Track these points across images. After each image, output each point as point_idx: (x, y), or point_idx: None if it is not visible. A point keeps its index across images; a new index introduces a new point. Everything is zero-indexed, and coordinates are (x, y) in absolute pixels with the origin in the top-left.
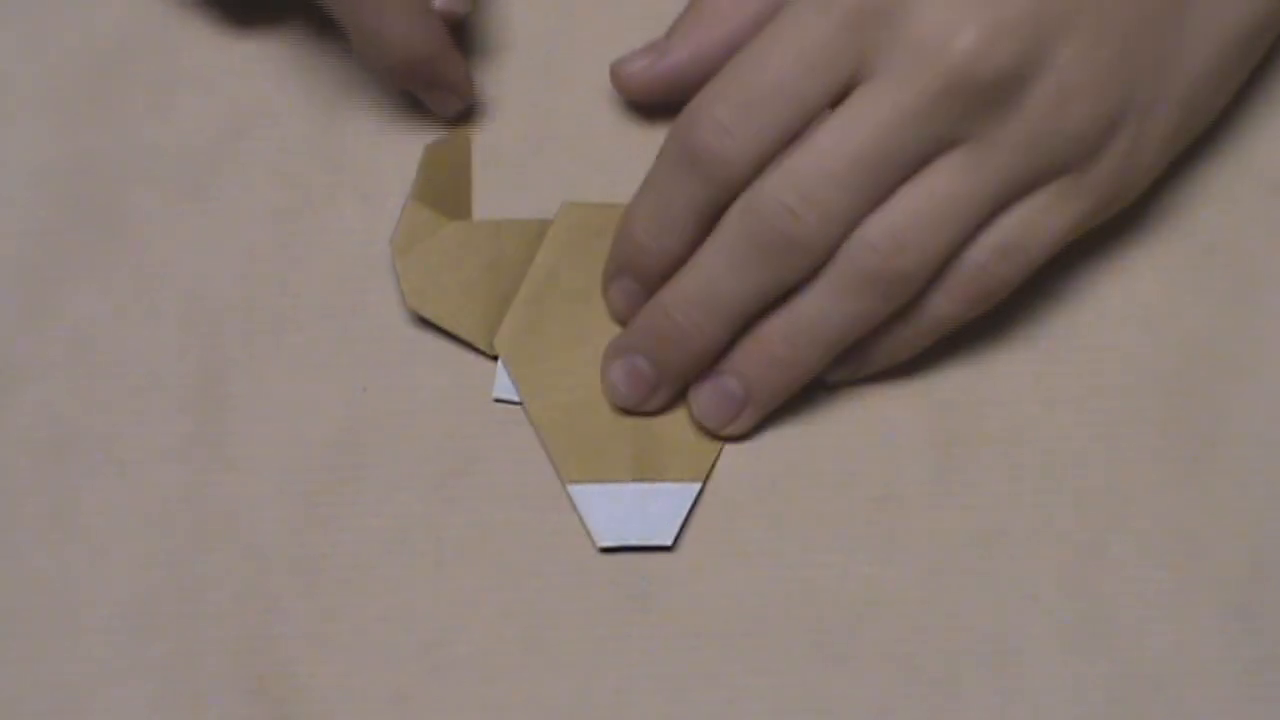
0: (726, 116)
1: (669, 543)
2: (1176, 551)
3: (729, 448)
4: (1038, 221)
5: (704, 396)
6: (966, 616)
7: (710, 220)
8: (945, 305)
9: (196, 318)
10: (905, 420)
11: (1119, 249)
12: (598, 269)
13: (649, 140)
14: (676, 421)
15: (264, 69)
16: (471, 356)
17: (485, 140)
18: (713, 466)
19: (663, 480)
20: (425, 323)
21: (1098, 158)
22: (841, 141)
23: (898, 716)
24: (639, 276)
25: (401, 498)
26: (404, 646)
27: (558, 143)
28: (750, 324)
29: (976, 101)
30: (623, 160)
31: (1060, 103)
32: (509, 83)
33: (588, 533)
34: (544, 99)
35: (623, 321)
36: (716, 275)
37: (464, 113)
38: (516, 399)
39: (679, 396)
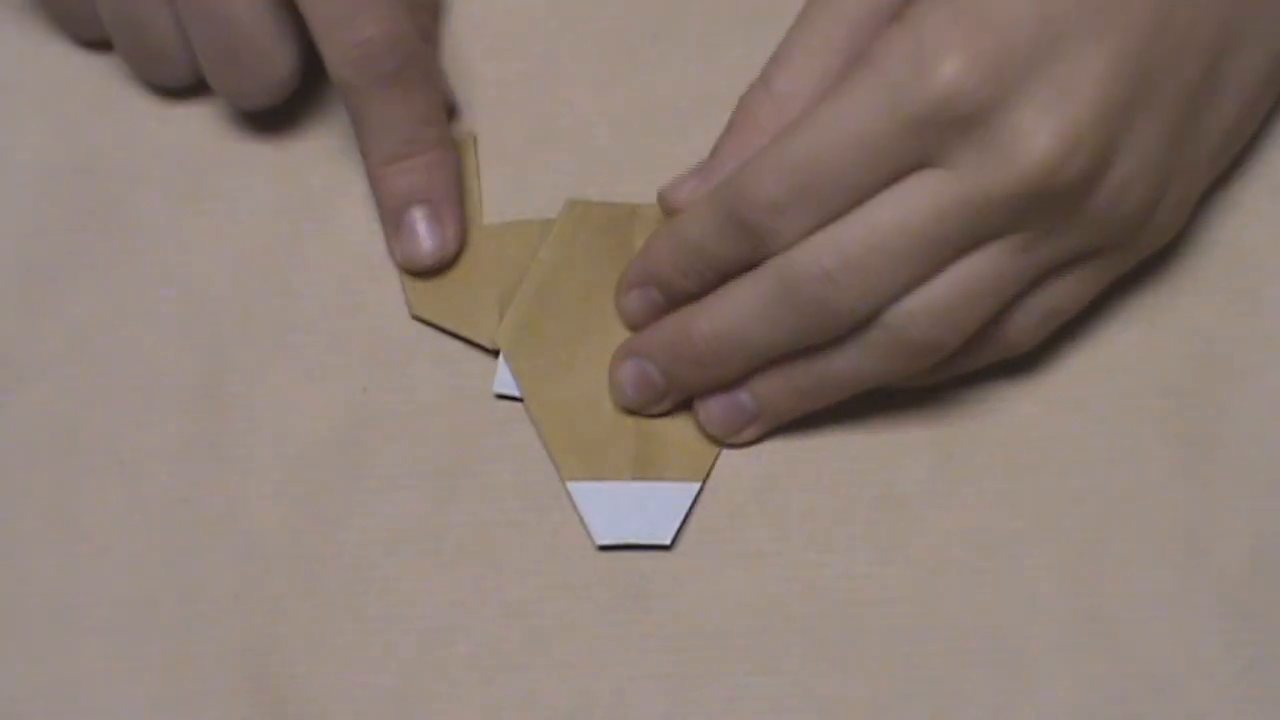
0: (781, 196)
1: (668, 541)
2: (1176, 551)
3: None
4: (1079, 289)
5: (714, 406)
6: (966, 616)
7: (741, 271)
8: (973, 360)
9: (196, 318)
10: (905, 420)
11: None
12: (602, 266)
13: (650, 140)
14: (677, 421)
15: None
16: (472, 356)
17: (486, 140)
18: (712, 466)
19: (662, 479)
20: (426, 322)
21: (1144, 229)
22: (896, 222)
23: (898, 716)
24: (667, 295)
25: (401, 498)
26: (404, 646)
27: (559, 142)
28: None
29: (1043, 205)
30: (624, 160)
31: (1119, 192)
32: (510, 83)
33: (587, 531)
34: (545, 99)
35: (633, 327)
36: (748, 320)
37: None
38: (517, 394)
39: (685, 404)
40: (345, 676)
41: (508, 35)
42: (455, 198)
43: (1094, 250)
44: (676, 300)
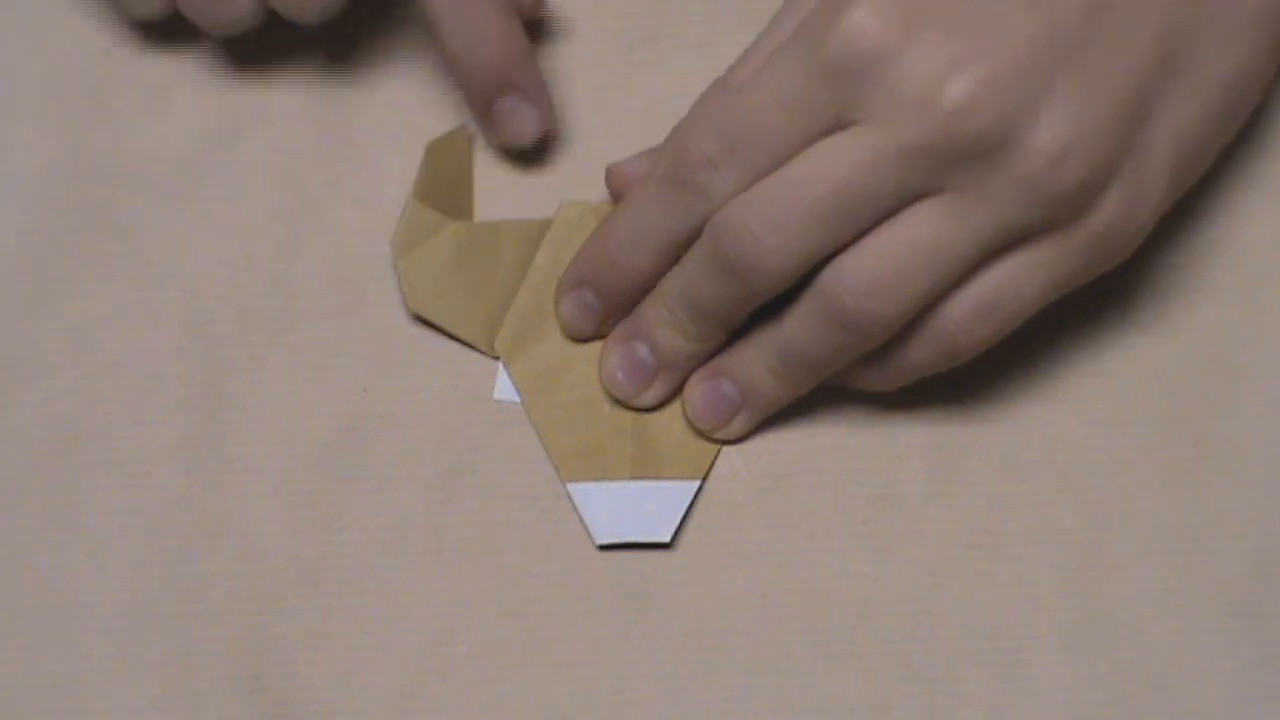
0: (713, 150)
1: (668, 539)
2: (1176, 551)
3: (728, 447)
4: (1020, 280)
5: (699, 396)
6: (966, 616)
7: (685, 242)
8: (916, 356)
9: (196, 318)
10: (905, 420)
11: None
12: None
13: (648, 141)
14: (676, 420)
15: (262, 69)
16: (471, 356)
17: (486, 139)
18: (712, 465)
19: (661, 478)
20: (425, 323)
21: (1088, 216)
22: (813, 174)
23: (897, 716)
24: (601, 291)
25: (401, 498)
26: (404, 646)
27: (558, 142)
28: (745, 330)
29: (960, 156)
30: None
31: (1052, 159)
32: None
33: (587, 531)
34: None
35: (571, 336)
36: (693, 281)
37: (538, 145)
38: (518, 400)
39: (676, 391)
40: (345, 676)
41: None
42: (540, 80)
43: (1034, 230)
44: (611, 299)
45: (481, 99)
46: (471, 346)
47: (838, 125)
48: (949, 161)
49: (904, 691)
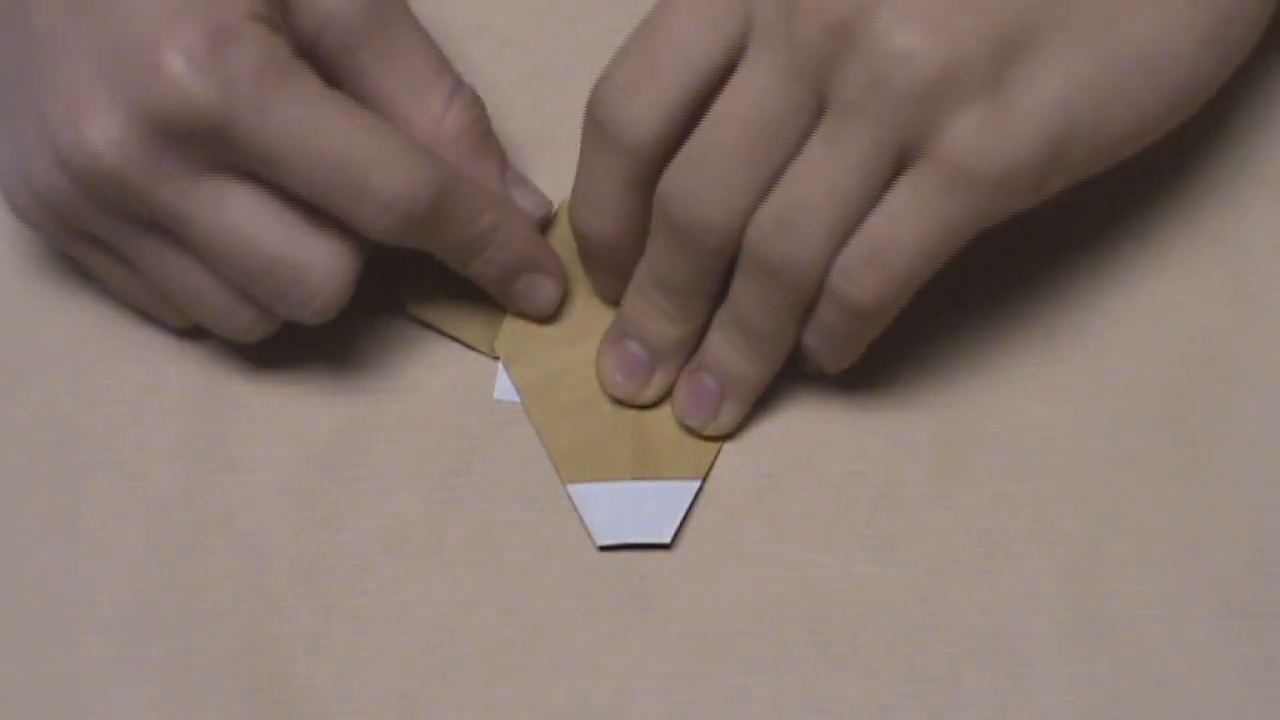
0: (626, 80)
1: (668, 540)
2: (1176, 551)
3: (729, 447)
4: (901, 221)
5: (683, 395)
6: (966, 616)
7: (636, 194)
8: (827, 318)
9: None
10: (905, 420)
11: (1119, 247)
12: None
13: None
14: (675, 420)
15: None
16: (471, 356)
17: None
18: (712, 465)
19: (662, 478)
20: (421, 322)
21: (943, 133)
22: (726, 112)
23: (898, 716)
24: (594, 265)
25: (401, 498)
26: (404, 646)
27: (558, 143)
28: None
29: (829, 54)
30: None
31: (900, 55)
32: (510, 83)
33: (587, 531)
34: (544, 99)
35: (604, 300)
36: (657, 261)
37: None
38: (518, 401)
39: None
40: (345, 676)
41: (508, 36)
42: (549, 251)
43: (899, 148)
44: (605, 267)
45: (499, 284)
46: (471, 347)
47: (745, 39)
48: (823, 63)
49: (906, 692)
